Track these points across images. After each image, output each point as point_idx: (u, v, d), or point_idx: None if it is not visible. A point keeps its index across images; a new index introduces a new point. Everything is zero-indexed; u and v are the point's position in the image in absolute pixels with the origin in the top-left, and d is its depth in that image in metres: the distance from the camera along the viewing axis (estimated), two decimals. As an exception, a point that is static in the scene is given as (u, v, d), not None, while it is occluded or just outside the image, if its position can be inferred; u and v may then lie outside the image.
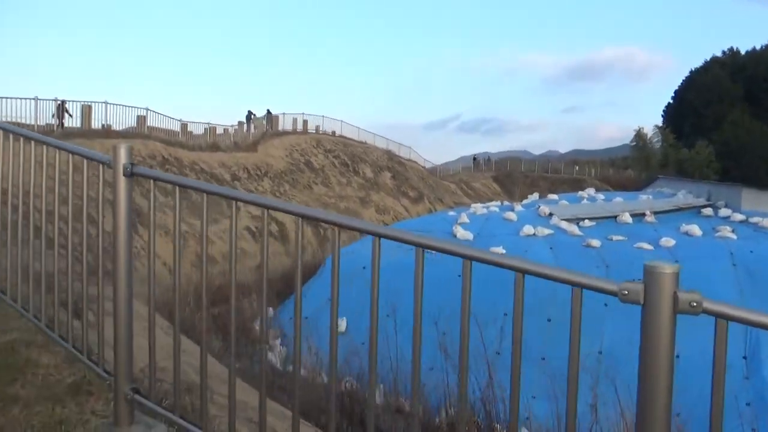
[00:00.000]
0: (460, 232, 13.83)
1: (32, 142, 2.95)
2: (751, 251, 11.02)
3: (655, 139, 59.01)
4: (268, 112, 35.60)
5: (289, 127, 34.88)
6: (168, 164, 21.00)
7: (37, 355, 3.04)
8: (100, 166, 2.56)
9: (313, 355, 7.85)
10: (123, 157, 2.42)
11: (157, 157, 20.94)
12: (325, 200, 27.58)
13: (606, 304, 8.46)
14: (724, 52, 67.36)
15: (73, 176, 2.69)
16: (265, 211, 2.14)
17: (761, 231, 12.88)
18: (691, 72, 66.27)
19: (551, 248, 12.63)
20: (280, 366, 9.57)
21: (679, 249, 11.62)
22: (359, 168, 34.90)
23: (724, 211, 14.52)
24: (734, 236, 12.04)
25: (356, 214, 25.51)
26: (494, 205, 19.00)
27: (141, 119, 22.19)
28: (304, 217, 2.11)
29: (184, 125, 25.55)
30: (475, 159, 57.82)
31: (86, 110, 19.71)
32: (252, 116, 34.80)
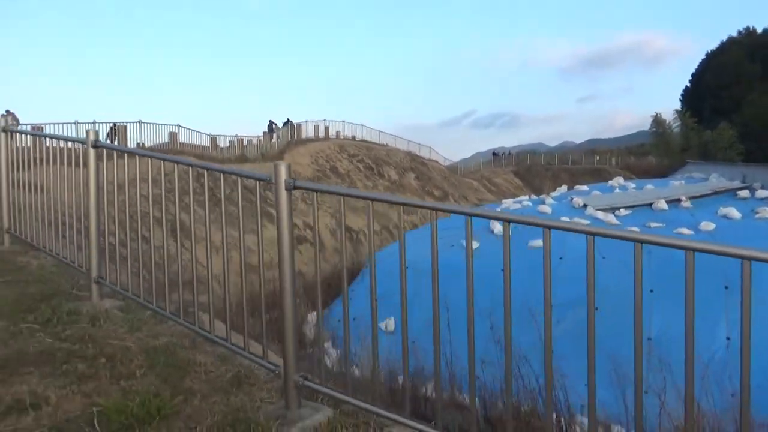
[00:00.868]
0: (498, 227, 14.11)
1: (205, 172, 3.36)
2: (794, 230, 11.14)
3: (675, 124, 58.52)
4: (288, 120, 36.20)
5: (311, 134, 35.41)
6: (202, 178, 21.49)
7: (192, 355, 3.41)
8: (257, 183, 2.93)
9: (369, 353, 8.15)
10: (284, 174, 2.78)
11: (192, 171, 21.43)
12: (354, 204, 27.87)
13: (651, 291, 8.62)
14: (740, 32, 66.67)
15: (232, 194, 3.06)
16: (401, 208, 2.53)
17: (800, 210, 12.94)
18: (707, 54, 65.71)
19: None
20: (335, 367, 9.91)
21: (719, 232, 11.76)
22: (384, 171, 35.28)
23: (761, 193, 14.60)
24: (775, 216, 12.16)
25: (384, 216, 25.80)
26: (525, 200, 19.21)
27: (173, 135, 22.82)
28: (404, 205, 2.61)
29: (212, 139, 26.18)
30: (495, 154, 57.86)
31: (122, 130, 20.41)
32: (274, 126, 35.43)
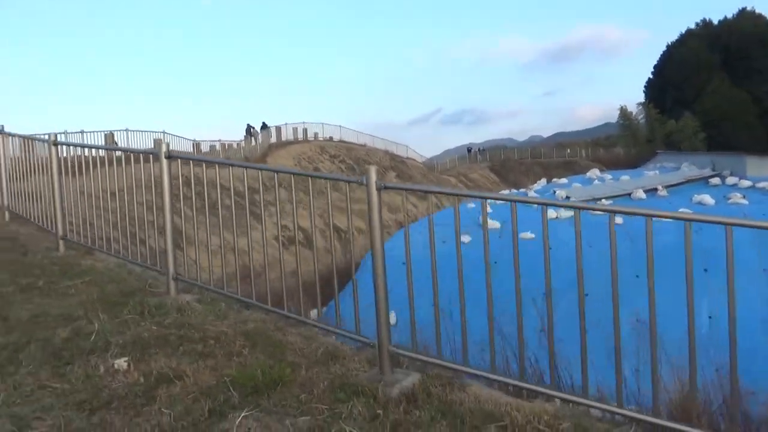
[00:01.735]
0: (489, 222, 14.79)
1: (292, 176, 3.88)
2: (764, 214, 12.04)
3: (640, 116, 60.47)
4: (264, 124, 36.48)
5: (291, 136, 35.73)
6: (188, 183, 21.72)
7: (281, 336, 3.92)
8: (346, 185, 3.47)
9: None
10: (374, 176, 3.32)
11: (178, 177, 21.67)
12: (339, 204, 28.32)
13: (637, 276, 9.36)
14: (697, 24, 68.98)
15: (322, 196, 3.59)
16: (456, 198, 3.08)
17: (769, 194, 13.90)
18: (668, 46, 67.83)
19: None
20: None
21: (696, 218, 12.59)
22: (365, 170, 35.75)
23: (731, 180, 15.58)
24: (746, 201, 13.07)
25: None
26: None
27: (158, 143, 22.89)
28: (458, 196, 3.11)
29: (196, 144, 26.38)
30: (469, 151, 58.88)
31: (110, 137, 20.55)
32: (252, 130, 35.64)
